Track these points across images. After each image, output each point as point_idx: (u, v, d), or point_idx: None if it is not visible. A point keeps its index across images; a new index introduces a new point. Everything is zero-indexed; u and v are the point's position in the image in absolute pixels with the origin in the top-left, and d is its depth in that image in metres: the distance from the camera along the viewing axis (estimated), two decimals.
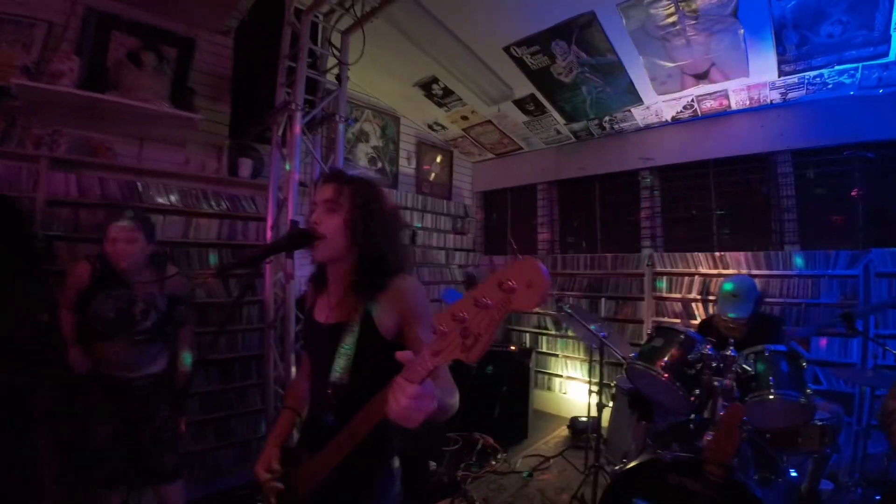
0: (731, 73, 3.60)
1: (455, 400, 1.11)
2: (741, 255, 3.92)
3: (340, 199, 1.28)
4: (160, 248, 2.51)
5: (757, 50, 3.32)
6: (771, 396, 2.31)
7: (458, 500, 3.15)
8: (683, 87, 3.86)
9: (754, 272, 3.78)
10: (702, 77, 3.71)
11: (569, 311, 3.54)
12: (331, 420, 1.22)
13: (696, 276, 4.14)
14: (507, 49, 3.84)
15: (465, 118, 4.89)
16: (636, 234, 4.72)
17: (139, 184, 3.14)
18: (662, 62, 3.65)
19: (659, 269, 4.34)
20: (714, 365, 2.41)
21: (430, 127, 5.20)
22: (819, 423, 2.52)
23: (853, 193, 3.72)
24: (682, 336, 2.60)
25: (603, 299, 4.66)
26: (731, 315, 2.86)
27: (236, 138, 3.58)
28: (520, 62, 3.95)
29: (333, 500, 1.23)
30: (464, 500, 3.16)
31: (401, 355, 0.86)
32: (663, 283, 4.33)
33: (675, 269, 4.28)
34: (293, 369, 3.20)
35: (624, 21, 3.36)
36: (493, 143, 5.33)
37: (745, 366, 2.43)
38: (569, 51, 3.74)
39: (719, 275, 3.99)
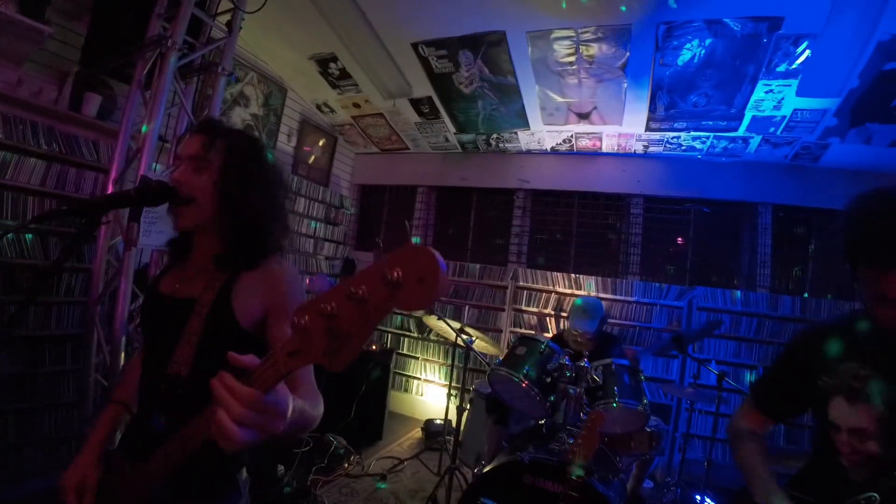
0: (608, 119, 4.06)
1: (319, 411, 0.95)
2: (592, 279, 4.42)
3: (210, 154, 1.06)
4: None
5: (633, 104, 3.80)
6: (615, 404, 2.59)
7: None
8: (567, 123, 4.24)
9: (602, 295, 4.28)
10: (584, 117, 4.11)
11: (440, 314, 3.60)
12: (160, 423, 1.00)
13: (553, 294, 4.54)
14: (415, 46, 3.80)
15: (357, 105, 4.69)
16: (505, 249, 5.00)
17: None
18: (554, 95, 3.96)
19: (521, 283, 4.66)
20: (569, 374, 2.64)
21: (318, 107, 4.88)
22: (649, 430, 2.91)
23: (679, 241, 4.47)
24: (543, 346, 2.81)
25: (467, 306, 4.83)
26: (580, 329, 3.19)
27: (88, 67, 2.93)
28: (425, 62, 3.94)
29: None
30: None
31: (238, 358, 0.66)
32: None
33: (535, 285, 4.63)
34: (122, 356, 2.68)
35: (529, 49, 3.57)
36: (380, 137, 5.21)
37: (594, 376, 2.72)
38: (474, 63, 3.84)
39: (573, 294, 4.44)
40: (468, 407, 3.70)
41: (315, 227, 4.93)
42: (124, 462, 1.04)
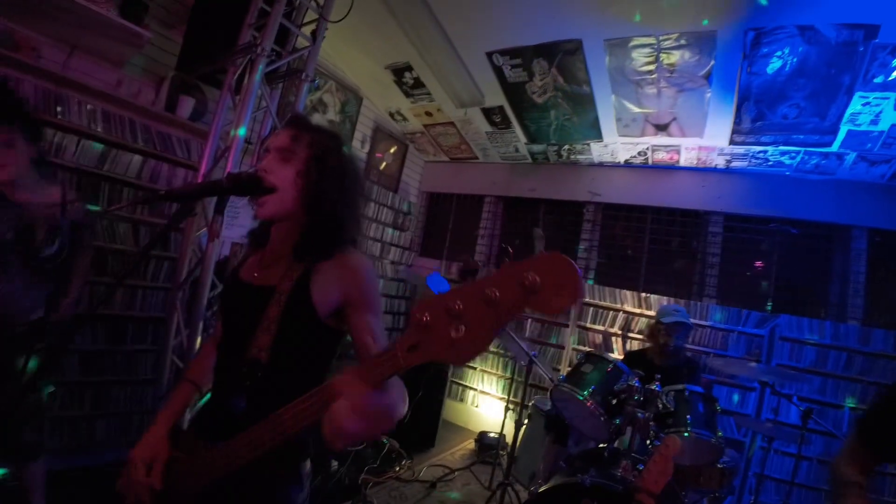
0: (688, 132, 3.86)
1: (404, 409, 0.92)
2: (664, 300, 4.17)
3: (296, 147, 1.11)
4: (43, 153, 2.08)
5: (716, 115, 3.58)
6: (686, 434, 2.41)
7: None
8: (643, 134, 4.07)
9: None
10: (662, 129, 3.93)
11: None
12: (240, 405, 1.01)
13: (621, 312, 4.34)
14: (489, 55, 3.81)
15: (429, 114, 4.78)
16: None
17: (60, 96, 2.65)
18: (631, 105, 3.82)
19: (588, 299, 4.49)
20: (636, 398, 2.48)
21: (391, 115, 5.02)
22: (721, 466, 2.68)
23: (758, 265, 4.14)
24: (610, 365, 2.67)
25: (529, 321, 4.73)
26: (672, 320, 3.02)
27: (183, 72, 3.17)
28: (498, 71, 3.94)
29: None
30: None
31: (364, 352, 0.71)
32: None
33: (602, 302, 4.45)
34: (199, 340, 2.84)
35: (607, 57, 3.47)
36: (450, 146, 5.27)
37: (665, 402, 2.54)
38: (548, 72, 3.80)
39: (641, 314, 4.22)
40: (526, 422, 3.58)
41: (383, 233, 5.03)
42: (196, 442, 1.07)
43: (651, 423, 2.45)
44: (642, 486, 1.88)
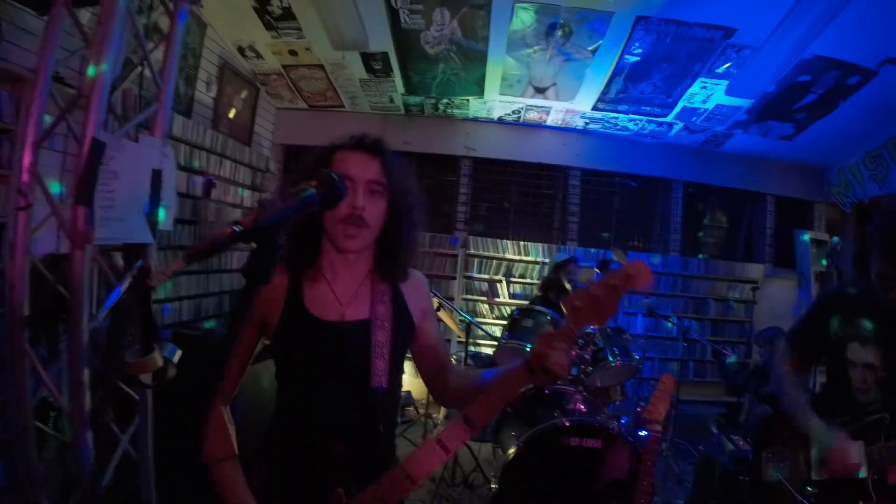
0: (562, 96, 4.28)
1: None
2: (539, 246, 4.77)
3: (385, 181, 1.05)
4: None
5: (589, 85, 4.08)
6: (615, 363, 3.02)
7: None
8: (523, 95, 4.33)
9: (547, 260, 4.63)
10: (541, 91, 4.25)
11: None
12: (382, 433, 1.03)
13: (504, 261, 4.76)
14: None
15: (293, 53, 3.97)
16: (451, 217, 4.99)
17: None
18: (520, 68, 3.99)
19: (472, 251, 4.76)
20: (578, 341, 2.94)
21: (240, 50, 3.97)
22: None
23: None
24: (547, 317, 3.07)
25: None
26: (566, 256, 3.60)
27: None
28: (393, 14, 3.54)
29: None
30: None
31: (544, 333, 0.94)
32: None
33: (484, 252, 4.78)
34: (87, 397, 1.95)
35: (512, 18, 3.51)
36: (312, 92, 4.52)
37: (596, 341, 3.07)
38: (448, 24, 3.62)
39: (521, 261, 4.72)
40: None
41: (242, 196, 4.14)
42: (338, 492, 0.96)
43: (589, 359, 2.96)
44: (649, 417, 2.31)
